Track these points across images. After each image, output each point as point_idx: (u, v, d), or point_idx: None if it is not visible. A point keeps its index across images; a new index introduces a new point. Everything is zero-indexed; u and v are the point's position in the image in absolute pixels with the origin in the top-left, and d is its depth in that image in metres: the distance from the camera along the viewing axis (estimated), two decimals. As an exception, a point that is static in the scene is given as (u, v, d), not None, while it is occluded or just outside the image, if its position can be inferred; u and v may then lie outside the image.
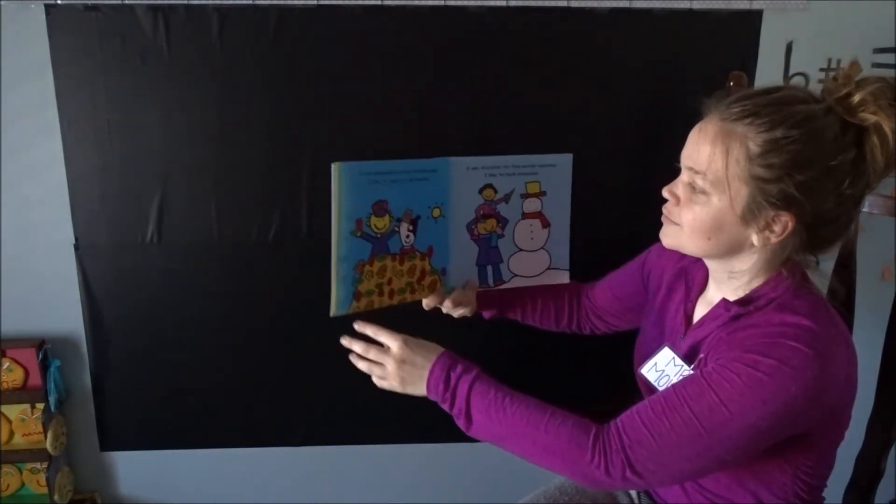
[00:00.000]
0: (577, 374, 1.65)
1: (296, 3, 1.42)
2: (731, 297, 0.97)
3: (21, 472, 1.63)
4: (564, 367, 1.66)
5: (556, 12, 1.45)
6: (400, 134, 1.49)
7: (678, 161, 0.95)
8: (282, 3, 1.42)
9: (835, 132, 0.87)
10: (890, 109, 0.87)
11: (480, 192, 1.15)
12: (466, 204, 1.15)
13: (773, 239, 0.90)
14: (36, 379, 1.57)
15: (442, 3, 1.44)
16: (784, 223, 0.89)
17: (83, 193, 1.50)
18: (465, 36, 1.46)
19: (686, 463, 0.89)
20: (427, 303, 1.17)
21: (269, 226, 1.54)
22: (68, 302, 1.57)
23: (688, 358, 0.99)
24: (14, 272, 1.55)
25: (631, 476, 0.89)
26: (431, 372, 1.01)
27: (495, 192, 1.16)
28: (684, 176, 0.94)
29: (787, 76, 1.50)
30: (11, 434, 1.61)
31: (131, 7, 1.40)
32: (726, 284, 0.98)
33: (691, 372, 0.97)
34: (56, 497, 1.61)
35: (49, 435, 1.57)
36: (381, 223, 1.06)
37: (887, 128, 0.87)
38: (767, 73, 1.49)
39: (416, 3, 1.43)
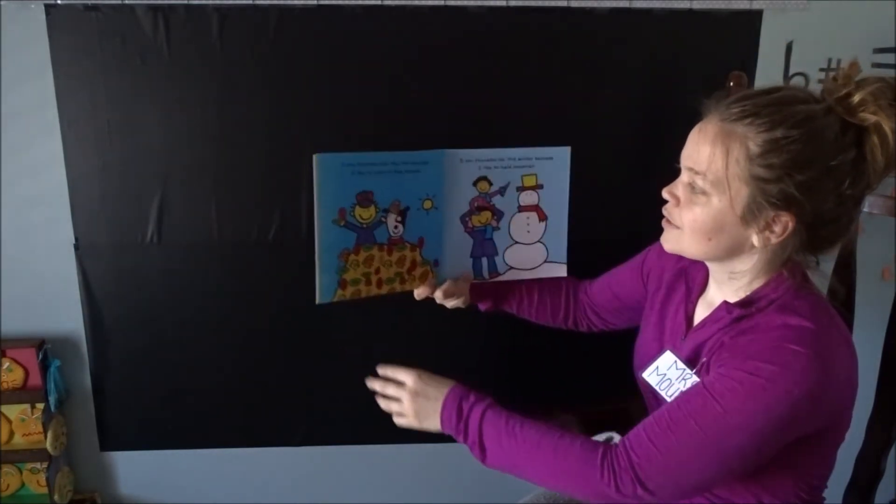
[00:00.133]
0: (577, 373, 1.65)
1: (296, 3, 1.42)
2: (732, 299, 0.97)
3: (21, 472, 1.63)
4: (564, 366, 1.66)
5: (556, 12, 1.45)
6: (400, 133, 1.49)
7: (678, 161, 0.95)
8: (282, 3, 1.42)
9: (835, 132, 0.87)
10: (890, 109, 0.87)
11: (475, 184, 1.15)
12: (460, 196, 1.15)
13: (774, 239, 0.90)
14: (36, 379, 1.57)
15: (442, 3, 1.44)
16: (784, 223, 0.89)
17: (83, 193, 1.50)
18: (465, 36, 1.46)
19: (696, 476, 0.89)
20: (418, 293, 1.18)
21: (269, 226, 1.54)
22: (68, 302, 1.57)
23: (690, 362, 0.99)
24: (14, 272, 1.55)
25: (643, 493, 0.89)
26: (444, 403, 1.02)
27: (490, 184, 1.16)
28: (684, 176, 0.94)
29: (787, 76, 1.50)
30: (11, 434, 1.61)
31: (131, 7, 1.40)
32: (727, 285, 0.98)
33: (693, 375, 0.97)
34: (56, 497, 1.61)
35: (49, 435, 1.57)
36: (366, 213, 1.07)
37: (887, 128, 0.87)
38: (767, 73, 1.49)
39: (416, 3, 1.43)
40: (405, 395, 1.06)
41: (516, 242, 1.20)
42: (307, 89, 1.47)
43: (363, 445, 1.73)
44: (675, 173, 0.96)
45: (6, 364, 1.56)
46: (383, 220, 1.09)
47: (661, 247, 1.03)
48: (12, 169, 1.49)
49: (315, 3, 1.42)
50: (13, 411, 1.60)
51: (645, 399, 1.14)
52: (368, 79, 1.47)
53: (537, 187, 1.18)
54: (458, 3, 1.44)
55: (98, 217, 1.52)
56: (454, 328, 1.62)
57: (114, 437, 1.68)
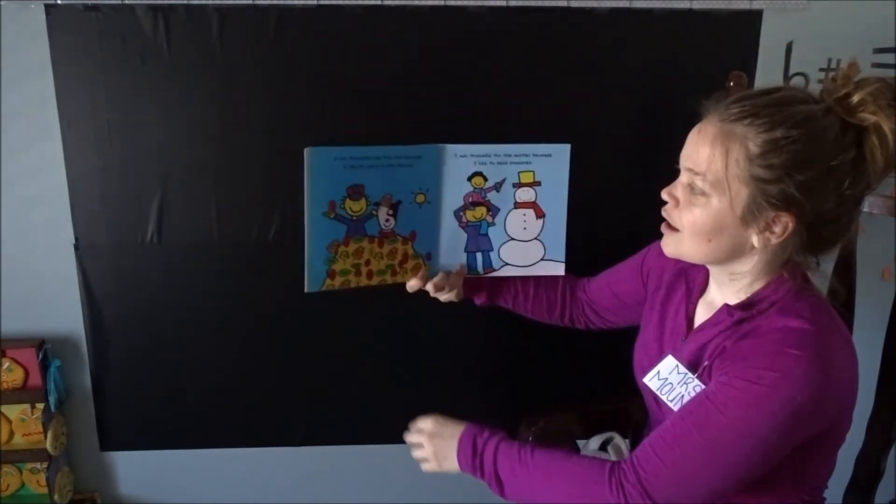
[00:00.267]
0: (576, 373, 1.65)
1: (296, 3, 1.42)
2: (733, 300, 0.97)
3: (21, 472, 1.63)
4: (564, 365, 1.66)
5: (556, 12, 1.45)
6: (401, 133, 1.48)
7: (677, 162, 0.95)
8: (282, 3, 1.42)
9: (835, 132, 0.87)
10: (889, 109, 0.87)
11: (469, 179, 1.16)
12: (454, 191, 1.16)
13: (774, 240, 0.90)
14: (36, 379, 1.57)
15: (442, 3, 1.44)
16: (784, 224, 0.89)
17: (83, 193, 1.50)
18: (465, 36, 1.46)
19: (705, 487, 0.89)
20: (410, 285, 1.18)
21: (269, 226, 1.54)
22: (68, 302, 1.57)
23: (691, 365, 0.99)
24: (14, 272, 1.55)
25: None
26: (460, 441, 1.04)
27: (485, 180, 1.16)
28: (683, 177, 0.94)
29: (787, 76, 1.50)
30: (11, 434, 1.61)
31: (131, 7, 1.40)
32: (727, 286, 0.98)
33: (695, 379, 0.97)
34: (56, 497, 1.61)
35: (49, 435, 1.57)
36: (356, 206, 1.09)
37: (887, 128, 0.87)
38: (767, 73, 1.49)
39: (416, 3, 1.43)
40: (424, 438, 1.09)
41: (512, 239, 1.20)
42: (307, 89, 1.47)
43: (363, 445, 1.73)
44: (674, 173, 0.96)
45: (6, 364, 1.56)
46: (374, 213, 1.11)
47: (660, 246, 1.03)
48: (12, 169, 1.49)
49: (315, 3, 1.42)
50: (13, 411, 1.60)
51: (645, 401, 1.14)
52: (368, 79, 1.47)
53: (534, 184, 1.18)
54: (458, 3, 1.44)
55: (98, 217, 1.52)
56: (455, 328, 1.63)
57: (114, 437, 1.68)
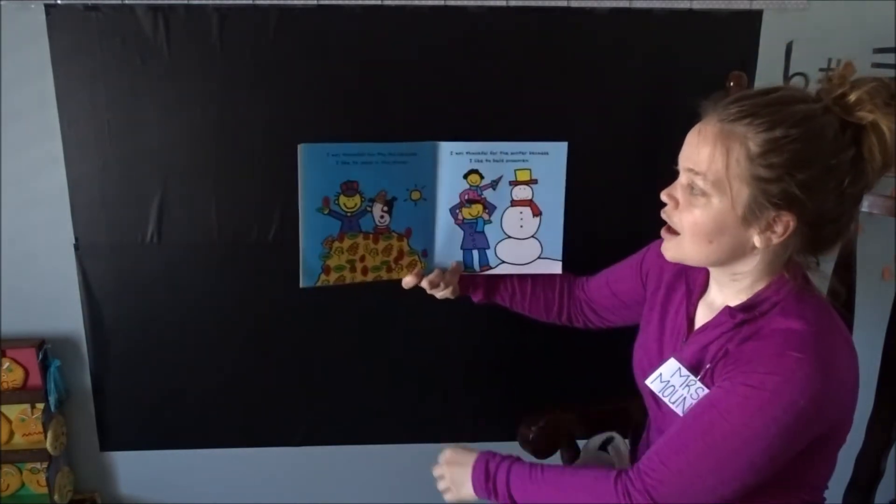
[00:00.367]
0: (576, 372, 1.65)
1: (296, 3, 1.42)
2: (734, 301, 0.97)
3: (21, 472, 1.63)
4: (564, 365, 1.66)
5: (556, 12, 1.45)
6: (401, 133, 1.48)
7: (676, 164, 0.95)
8: (282, 3, 1.42)
9: (834, 131, 0.88)
10: (886, 108, 0.88)
11: (465, 177, 1.16)
12: (450, 188, 1.16)
13: (775, 240, 0.90)
14: (36, 379, 1.57)
15: (442, 3, 1.44)
16: (785, 223, 0.89)
17: (83, 193, 1.50)
18: (465, 36, 1.46)
19: (711, 493, 0.90)
20: (406, 282, 1.18)
21: (269, 225, 1.54)
22: (68, 302, 1.57)
23: (693, 368, 0.99)
24: (14, 272, 1.55)
25: None
26: (474, 468, 1.06)
27: (481, 177, 1.16)
28: (683, 178, 0.94)
29: (787, 76, 1.50)
30: (11, 434, 1.61)
31: (131, 7, 1.40)
32: (728, 287, 0.98)
33: (697, 382, 0.97)
34: (56, 497, 1.61)
35: (49, 435, 1.57)
36: (350, 202, 1.10)
37: (885, 126, 0.87)
38: (767, 73, 1.49)
39: (416, 3, 1.43)
40: (444, 467, 1.11)
41: (509, 237, 1.20)
42: (307, 89, 1.47)
43: (363, 445, 1.73)
44: (675, 173, 0.96)
45: (6, 364, 1.56)
46: (369, 209, 1.12)
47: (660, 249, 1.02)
48: (12, 169, 1.49)
49: (315, 3, 1.42)
50: (13, 411, 1.60)
51: (645, 401, 1.14)
52: (368, 79, 1.47)
53: (531, 182, 1.17)
54: (458, 3, 1.44)
55: (98, 217, 1.52)
56: (456, 328, 1.63)
57: (114, 437, 1.68)
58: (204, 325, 1.60)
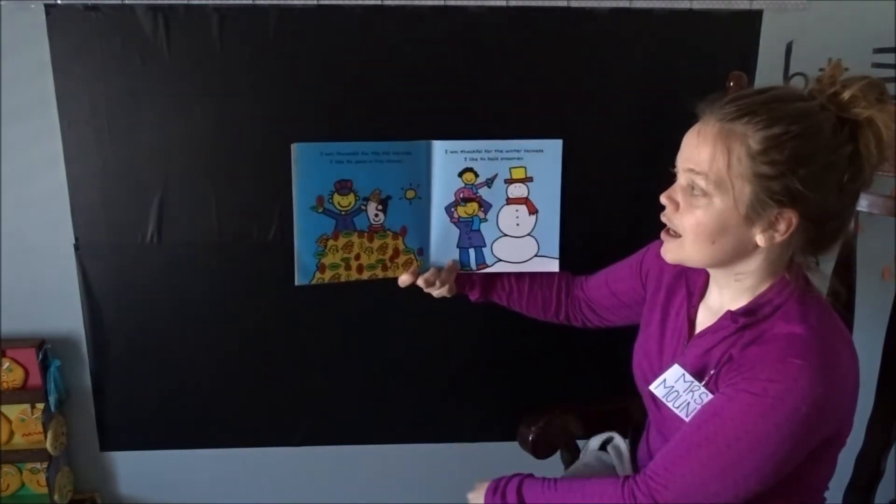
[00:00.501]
0: (576, 372, 1.65)
1: (296, 3, 1.42)
2: (734, 305, 0.97)
3: (21, 472, 1.63)
4: (564, 365, 1.66)
5: (556, 12, 1.45)
6: (402, 133, 1.48)
7: (673, 166, 0.95)
8: (282, 3, 1.42)
9: (831, 127, 0.88)
10: (879, 105, 0.89)
11: (460, 175, 1.16)
12: (445, 187, 1.16)
13: (778, 238, 0.90)
14: (36, 379, 1.57)
15: (442, 3, 1.44)
16: (788, 220, 0.89)
17: (83, 193, 1.50)
18: (464, 36, 1.46)
19: (714, 500, 0.91)
20: (402, 280, 1.18)
21: (269, 226, 1.54)
22: (68, 302, 1.57)
23: (697, 373, 0.99)
24: (14, 272, 1.55)
25: None
26: (487, 489, 1.08)
27: (476, 175, 1.16)
28: (682, 180, 0.94)
29: (787, 76, 1.50)
30: (11, 434, 1.61)
31: (131, 7, 1.40)
32: (729, 289, 0.98)
33: (702, 387, 0.97)
34: (56, 497, 1.61)
35: (49, 435, 1.57)
36: (344, 201, 1.11)
37: (880, 122, 0.88)
38: (767, 73, 1.49)
39: (416, 3, 1.43)
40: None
41: (505, 235, 1.20)
42: (307, 89, 1.47)
43: (363, 445, 1.73)
44: (672, 175, 0.96)
45: (6, 364, 1.56)
46: (363, 207, 1.12)
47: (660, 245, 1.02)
48: (12, 169, 1.49)
49: (315, 3, 1.42)
50: (13, 411, 1.60)
51: (644, 402, 1.14)
52: (368, 79, 1.47)
53: (527, 180, 1.17)
54: (458, 3, 1.44)
55: (98, 217, 1.52)
56: (456, 328, 1.63)
57: (114, 437, 1.68)
58: (204, 324, 1.60)
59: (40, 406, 1.58)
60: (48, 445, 1.57)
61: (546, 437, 1.28)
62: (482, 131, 1.45)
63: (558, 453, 1.32)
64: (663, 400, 1.01)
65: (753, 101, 0.89)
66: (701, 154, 0.90)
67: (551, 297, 1.26)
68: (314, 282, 1.12)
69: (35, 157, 1.48)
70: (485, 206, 1.18)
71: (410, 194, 1.15)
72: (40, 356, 1.56)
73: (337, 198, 1.10)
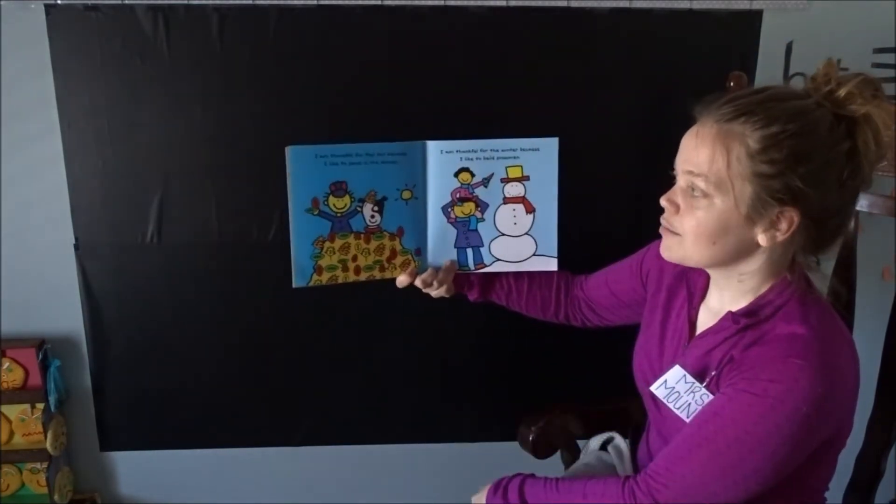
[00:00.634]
0: (576, 372, 1.65)
1: (296, 3, 1.42)
2: (735, 306, 0.97)
3: (21, 472, 1.63)
4: (564, 364, 1.66)
5: (556, 12, 1.45)
6: (402, 132, 1.48)
7: (672, 169, 0.95)
8: (282, 3, 1.42)
9: (828, 124, 0.88)
10: (875, 101, 0.89)
11: (456, 175, 1.16)
12: (441, 187, 1.16)
13: (780, 237, 0.90)
14: (36, 379, 1.57)
15: (442, 2, 1.44)
16: (789, 218, 0.89)
17: (83, 193, 1.50)
18: (465, 36, 1.46)
19: (715, 500, 0.91)
20: (400, 281, 1.18)
21: (269, 226, 1.54)
22: (68, 302, 1.57)
23: (698, 374, 0.99)
24: (14, 272, 1.55)
25: None
26: (488, 490, 1.08)
27: (472, 175, 1.16)
28: (681, 182, 0.94)
29: (787, 76, 1.50)
30: (11, 434, 1.61)
31: (131, 7, 1.40)
32: (729, 291, 0.98)
33: (703, 389, 0.97)
34: (56, 497, 1.61)
35: (49, 435, 1.57)
36: (340, 203, 1.11)
37: (877, 118, 0.88)
38: (767, 73, 1.49)
39: (416, 3, 1.43)
40: None
41: (503, 234, 1.20)
42: (307, 89, 1.47)
43: (363, 445, 1.73)
44: (671, 178, 0.96)
45: (6, 364, 1.56)
46: (359, 209, 1.12)
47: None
48: (12, 169, 1.49)
49: (315, 2, 1.42)
50: (13, 411, 1.60)
51: (645, 403, 1.14)
52: (368, 79, 1.47)
53: (523, 179, 1.17)
54: (458, 3, 1.44)
55: (98, 217, 1.52)
56: (456, 328, 1.63)
57: (114, 437, 1.68)
58: (204, 324, 1.60)
59: (40, 406, 1.58)
60: (48, 445, 1.57)
61: (546, 437, 1.28)
62: (483, 132, 1.45)
63: (558, 453, 1.32)
64: (664, 401, 1.01)
65: (750, 101, 0.89)
66: (700, 155, 0.90)
67: (550, 296, 1.26)
68: (311, 284, 1.12)
69: (35, 157, 1.48)
70: (481, 205, 1.18)
71: (406, 195, 1.15)
72: (40, 356, 1.56)
73: (332, 200, 1.10)
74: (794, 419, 0.86)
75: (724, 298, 1.00)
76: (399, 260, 1.17)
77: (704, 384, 0.97)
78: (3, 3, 1.39)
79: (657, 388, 1.02)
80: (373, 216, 1.13)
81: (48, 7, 1.40)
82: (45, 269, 1.55)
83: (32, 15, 1.40)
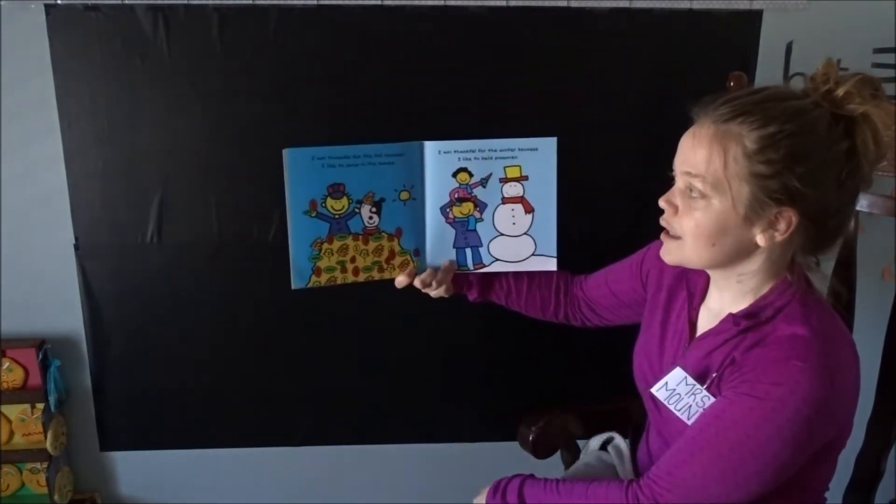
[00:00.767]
0: (576, 372, 1.65)
1: (296, 3, 1.42)
2: (735, 307, 0.97)
3: (21, 472, 1.63)
4: (564, 365, 1.66)
5: (556, 12, 1.45)
6: (402, 133, 1.48)
7: (671, 170, 0.95)
8: (282, 3, 1.42)
9: (826, 123, 0.88)
10: (874, 100, 0.88)
11: (454, 175, 1.16)
12: (439, 187, 1.16)
13: (778, 237, 0.90)
14: (36, 379, 1.57)
15: (442, 3, 1.44)
16: (788, 219, 0.89)
17: (83, 193, 1.50)
18: (465, 36, 1.46)
19: (717, 500, 0.91)
20: (399, 281, 1.18)
21: (269, 226, 1.54)
22: (68, 302, 1.57)
23: (699, 376, 0.99)
24: (14, 272, 1.55)
25: None
26: (488, 491, 1.08)
27: (470, 175, 1.16)
28: (680, 182, 0.94)
29: (787, 76, 1.50)
30: (11, 434, 1.61)
31: (131, 7, 1.40)
32: (729, 292, 0.98)
33: (704, 391, 0.97)
34: (56, 497, 1.61)
35: (49, 435, 1.57)
36: (337, 205, 1.11)
37: (876, 118, 0.88)
38: (767, 73, 1.49)
39: (416, 3, 1.43)
40: None
41: (501, 234, 1.20)
42: (307, 89, 1.47)
43: (363, 445, 1.73)
44: (670, 179, 0.96)
45: (6, 364, 1.56)
46: (357, 210, 1.13)
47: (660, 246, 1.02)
48: (12, 169, 1.49)
49: (315, 3, 1.42)
50: (13, 411, 1.60)
51: (645, 404, 1.14)
52: (368, 79, 1.47)
53: (522, 178, 1.17)
54: (459, 3, 1.44)
55: (98, 217, 1.52)
56: (456, 328, 1.63)
57: (114, 437, 1.68)
58: (204, 325, 1.60)
59: (40, 406, 1.58)
60: (48, 445, 1.57)
61: (546, 437, 1.28)
62: (482, 131, 1.46)
63: (558, 453, 1.32)
64: (665, 402, 1.01)
65: (747, 102, 0.89)
66: (697, 156, 0.90)
67: (550, 296, 1.26)
68: (310, 285, 1.13)
69: (35, 157, 1.48)
70: (480, 205, 1.18)
71: (404, 196, 1.15)
72: (40, 356, 1.56)
73: (330, 201, 1.11)
74: (795, 422, 0.86)
75: (724, 299, 1.00)
76: (398, 261, 1.17)
77: (705, 386, 0.97)
78: (3, 3, 1.39)
79: (658, 390, 1.02)
80: (371, 217, 1.14)
81: (48, 7, 1.40)
82: (45, 269, 1.55)
83: (32, 15, 1.40)
